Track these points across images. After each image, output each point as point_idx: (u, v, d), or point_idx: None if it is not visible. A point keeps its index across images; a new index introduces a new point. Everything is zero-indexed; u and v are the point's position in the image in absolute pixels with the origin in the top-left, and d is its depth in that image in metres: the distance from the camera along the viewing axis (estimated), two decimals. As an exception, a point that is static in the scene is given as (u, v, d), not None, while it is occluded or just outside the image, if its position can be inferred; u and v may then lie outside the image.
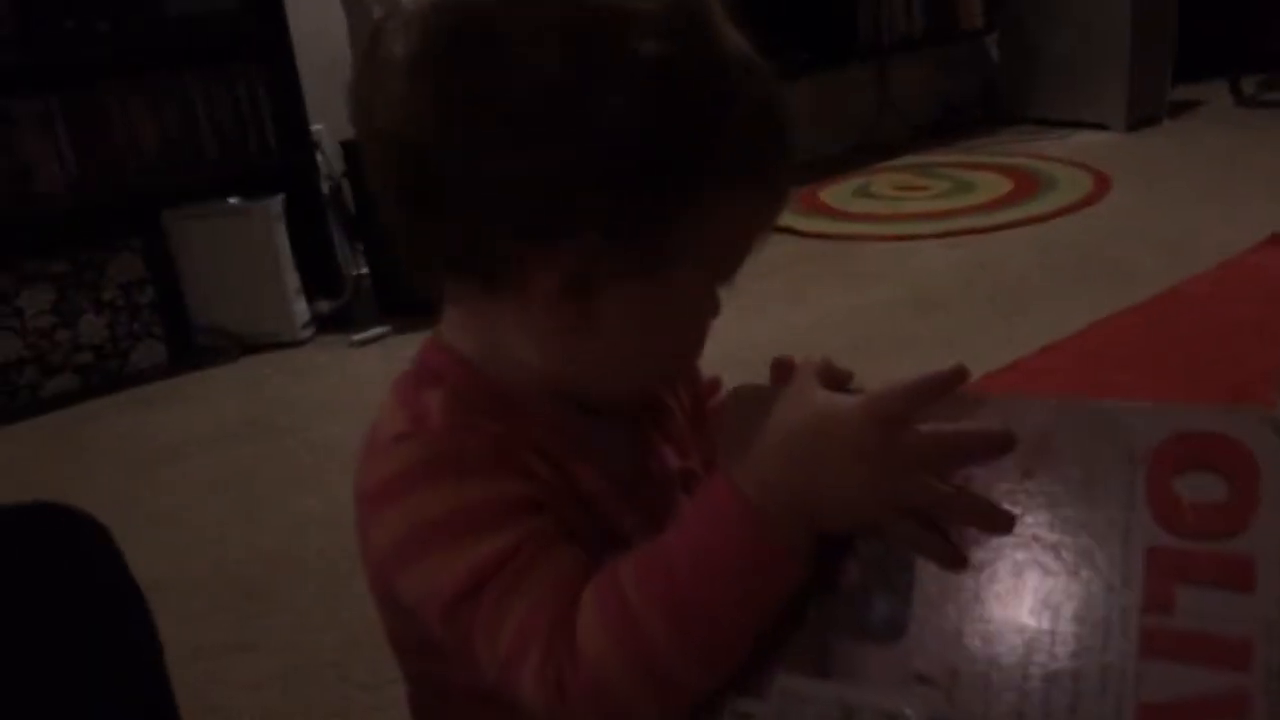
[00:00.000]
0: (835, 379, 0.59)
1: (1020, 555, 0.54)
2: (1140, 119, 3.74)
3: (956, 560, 0.55)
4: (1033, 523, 0.55)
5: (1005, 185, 3.27)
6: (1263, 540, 0.51)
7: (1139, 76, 3.71)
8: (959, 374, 0.56)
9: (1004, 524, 0.54)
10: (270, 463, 2.03)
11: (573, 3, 0.56)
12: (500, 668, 0.56)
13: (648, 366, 0.63)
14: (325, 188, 2.79)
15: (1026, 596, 0.54)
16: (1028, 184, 3.26)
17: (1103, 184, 3.18)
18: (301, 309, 2.62)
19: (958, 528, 0.55)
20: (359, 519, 0.62)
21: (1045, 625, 0.53)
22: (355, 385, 2.35)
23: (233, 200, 2.57)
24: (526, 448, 0.60)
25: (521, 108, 0.55)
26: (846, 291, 2.57)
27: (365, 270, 2.85)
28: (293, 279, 2.59)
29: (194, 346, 2.60)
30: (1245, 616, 0.50)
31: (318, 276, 2.68)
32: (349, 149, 2.66)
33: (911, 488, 0.54)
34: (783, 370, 0.61)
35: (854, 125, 3.96)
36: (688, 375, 0.74)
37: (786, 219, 2.77)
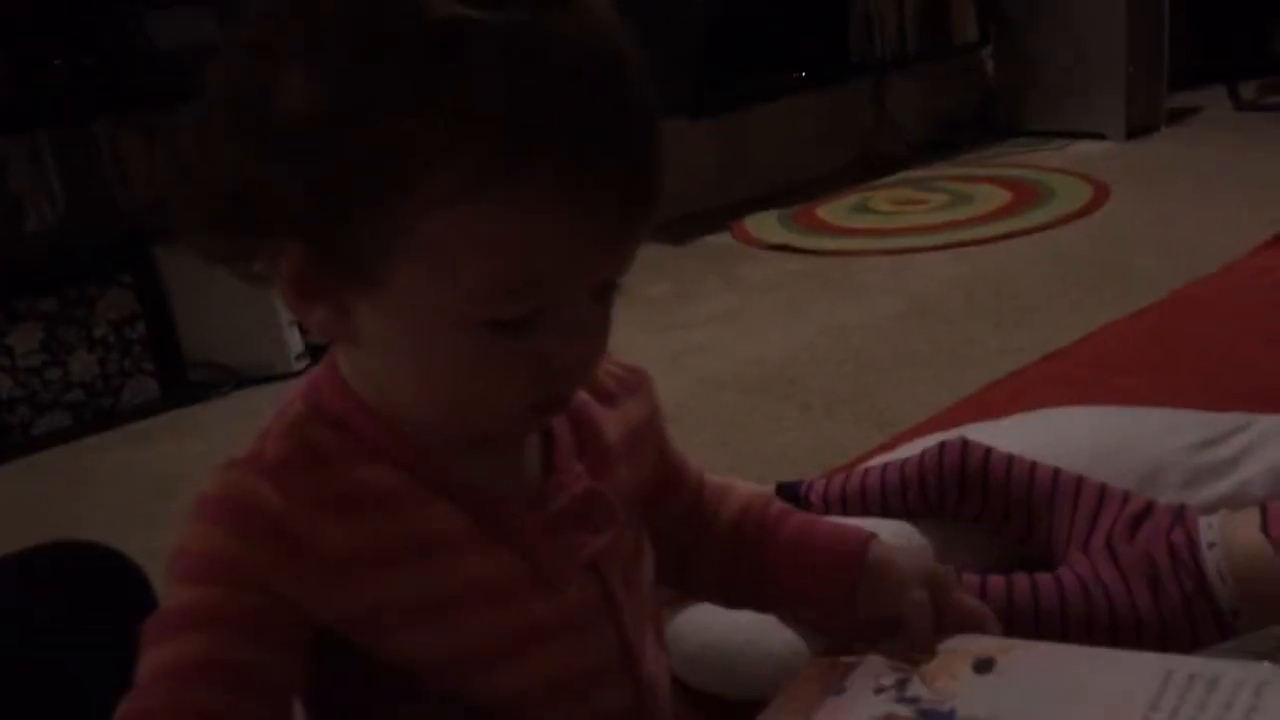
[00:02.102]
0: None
1: None
2: (1138, 127, 3.72)
3: None
4: None
5: (1004, 197, 3.24)
6: None
7: (1135, 85, 3.69)
8: None
9: None
10: (264, 495, 2.00)
11: None
12: None
13: (448, 402, 0.57)
14: (318, 218, 2.77)
15: None
16: (1026, 195, 3.23)
17: (1102, 192, 3.15)
18: (295, 340, 2.59)
19: None
20: None
21: None
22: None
23: (224, 232, 2.55)
24: (347, 499, 0.57)
25: (210, 102, 0.53)
26: (847, 306, 2.53)
27: (360, 300, 2.83)
28: (285, 310, 2.57)
29: (186, 381, 2.57)
30: None
31: (311, 307, 2.65)
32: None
33: None
34: None
35: (851, 142, 3.94)
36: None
37: (785, 236, 2.75)
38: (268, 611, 0.55)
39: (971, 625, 0.67)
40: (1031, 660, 0.62)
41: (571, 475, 0.64)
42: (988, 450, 1.20)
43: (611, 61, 0.52)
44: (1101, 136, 3.73)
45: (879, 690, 0.62)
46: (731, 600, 0.81)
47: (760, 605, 0.80)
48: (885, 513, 1.23)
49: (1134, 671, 0.58)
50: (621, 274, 0.56)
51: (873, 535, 0.73)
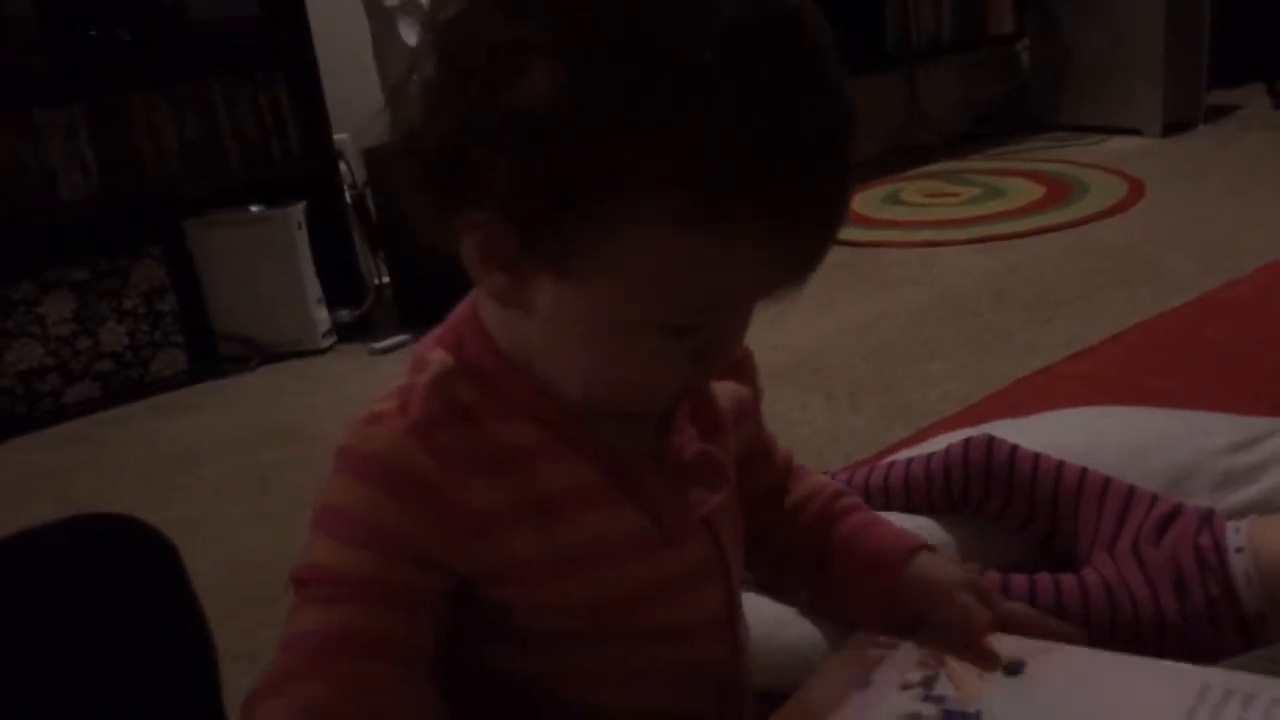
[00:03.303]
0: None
1: None
2: (1175, 124, 3.67)
3: None
4: None
5: (1036, 191, 3.21)
6: None
7: (1173, 81, 3.65)
8: None
9: None
10: (289, 470, 2.01)
11: None
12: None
13: (604, 383, 0.59)
14: (348, 196, 2.77)
15: None
16: (1059, 190, 3.20)
17: (1137, 189, 3.12)
18: (323, 317, 2.60)
19: None
20: None
21: None
22: (375, 394, 2.32)
23: (255, 208, 2.56)
24: (490, 456, 0.59)
25: (441, 76, 0.54)
26: (875, 297, 2.52)
27: (386, 279, 2.83)
28: (314, 287, 2.58)
29: (215, 355, 2.59)
30: None
31: (339, 285, 2.66)
32: (371, 157, 2.65)
33: None
34: None
35: (882, 132, 3.91)
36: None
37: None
38: (421, 581, 0.57)
39: (1020, 630, 0.66)
40: (1063, 665, 0.61)
41: (687, 436, 0.66)
42: (1014, 447, 1.19)
43: (837, 102, 0.53)
44: (1137, 132, 3.69)
45: (905, 686, 0.62)
46: (784, 586, 0.82)
47: (810, 594, 0.81)
48: (908, 508, 1.22)
49: (1169, 683, 0.57)
50: None
51: (923, 545, 0.73)
